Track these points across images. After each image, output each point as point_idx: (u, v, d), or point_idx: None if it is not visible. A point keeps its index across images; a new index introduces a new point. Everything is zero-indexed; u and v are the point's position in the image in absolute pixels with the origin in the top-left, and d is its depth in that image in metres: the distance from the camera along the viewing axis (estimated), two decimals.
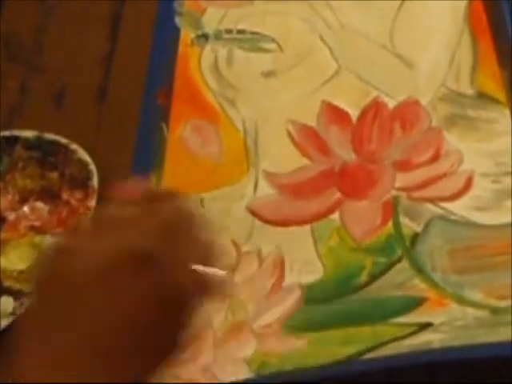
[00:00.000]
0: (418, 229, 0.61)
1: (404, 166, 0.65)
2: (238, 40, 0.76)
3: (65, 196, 0.66)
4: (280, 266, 0.61)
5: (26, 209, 0.66)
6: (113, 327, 0.40)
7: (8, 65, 0.79)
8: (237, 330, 0.59)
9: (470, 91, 0.69)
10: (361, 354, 0.56)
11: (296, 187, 0.65)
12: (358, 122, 0.68)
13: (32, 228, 0.65)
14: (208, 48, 0.76)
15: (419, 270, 0.59)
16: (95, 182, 0.65)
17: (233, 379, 0.57)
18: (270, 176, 0.67)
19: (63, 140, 0.69)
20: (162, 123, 0.71)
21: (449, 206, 0.62)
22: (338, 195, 0.64)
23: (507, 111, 0.67)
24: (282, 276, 0.61)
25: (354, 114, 0.69)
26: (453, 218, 0.62)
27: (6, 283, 0.62)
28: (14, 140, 0.70)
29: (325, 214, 0.63)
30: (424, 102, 0.69)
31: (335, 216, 0.63)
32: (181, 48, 0.77)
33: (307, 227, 0.63)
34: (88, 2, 0.83)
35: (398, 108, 0.69)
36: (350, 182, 0.65)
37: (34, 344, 0.40)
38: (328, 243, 0.62)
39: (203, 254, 0.44)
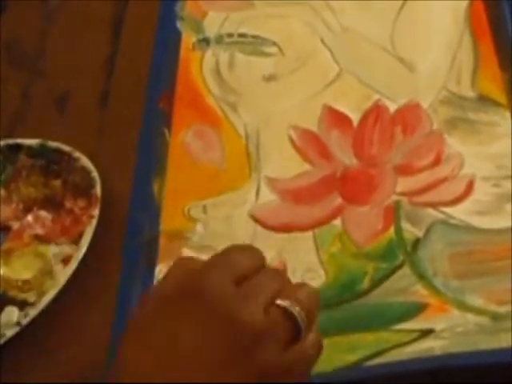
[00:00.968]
0: (420, 234, 0.61)
1: (405, 170, 0.65)
2: (240, 44, 0.76)
3: (68, 204, 0.66)
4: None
5: (29, 218, 0.66)
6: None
7: (9, 70, 0.79)
8: None
9: (470, 94, 0.69)
10: (364, 360, 0.56)
11: (297, 193, 0.65)
12: (359, 126, 0.68)
13: (36, 237, 0.65)
14: (209, 52, 0.76)
15: (421, 276, 0.59)
16: (98, 190, 0.66)
17: None
18: (272, 182, 0.67)
19: (66, 148, 0.69)
20: (164, 128, 0.71)
21: (449, 210, 0.62)
22: (339, 201, 0.64)
23: (508, 114, 0.66)
24: None
25: (355, 117, 0.69)
26: (453, 222, 0.61)
27: (11, 293, 0.62)
28: (17, 148, 0.70)
29: (327, 220, 0.63)
30: (425, 105, 0.69)
31: (337, 222, 0.63)
32: (182, 52, 0.77)
33: (309, 233, 0.63)
34: (89, 6, 0.83)
35: (399, 112, 0.69)
36: (352, 188, 0.65)
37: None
38: (330, 249, 0.62)
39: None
